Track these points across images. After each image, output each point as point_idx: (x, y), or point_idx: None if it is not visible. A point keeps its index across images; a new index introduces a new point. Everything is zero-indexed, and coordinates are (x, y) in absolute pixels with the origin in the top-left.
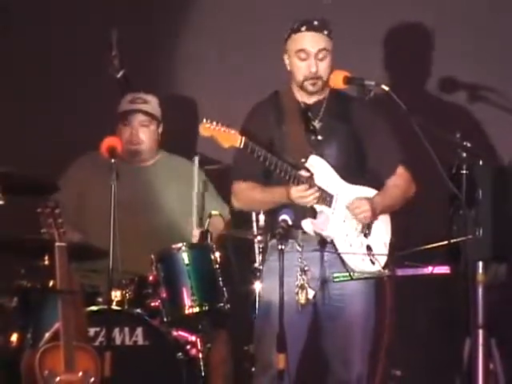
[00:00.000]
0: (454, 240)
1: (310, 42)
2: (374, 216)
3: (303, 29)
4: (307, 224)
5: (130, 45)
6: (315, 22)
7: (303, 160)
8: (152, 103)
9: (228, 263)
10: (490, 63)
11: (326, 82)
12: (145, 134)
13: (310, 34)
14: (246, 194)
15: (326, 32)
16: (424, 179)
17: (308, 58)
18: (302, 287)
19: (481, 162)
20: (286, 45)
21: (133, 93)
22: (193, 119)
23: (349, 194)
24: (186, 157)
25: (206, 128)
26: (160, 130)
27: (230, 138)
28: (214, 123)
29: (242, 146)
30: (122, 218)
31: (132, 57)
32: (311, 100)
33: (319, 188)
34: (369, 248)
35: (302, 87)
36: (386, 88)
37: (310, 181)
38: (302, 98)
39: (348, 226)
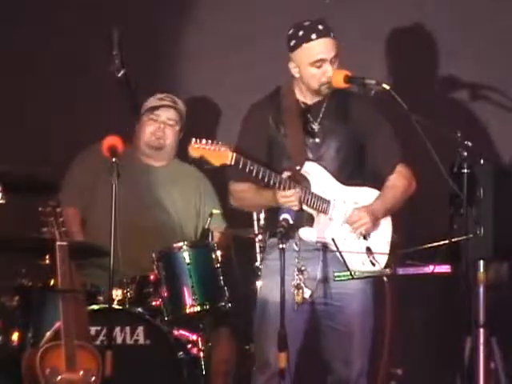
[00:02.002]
0: (455, 239)
1: (324, 49)
2: (376, 223)
3: (313, 36)
4: (305, 232)
5: (131, 44)
6: (320, 27)
7: (298, 167)
8: (180, 106)
9: (229, 262)
10: (490, 63)
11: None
12: (171, 132)
13: (322, 40)
14: (241, 195)
15: (332, 34)
16: (425, 178)
17: (323, 65)
18: (298, 287)
19: (482, 161)
20: (293, 54)
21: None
22: (194, 118)
23: (346, 198)
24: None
25: (195, 148)
26: (181, 136)
27: (221, 156)
28: (203, 142)
29: (233, 163)
30: (125, 215)
31: (133, 56)
32: (312, 100)
33: (315, 195)
34: (368, 250)
35: (317, 92)
36: (387, 87)
37: (296, 185)
38: (303, 98)
39: (346, 230)
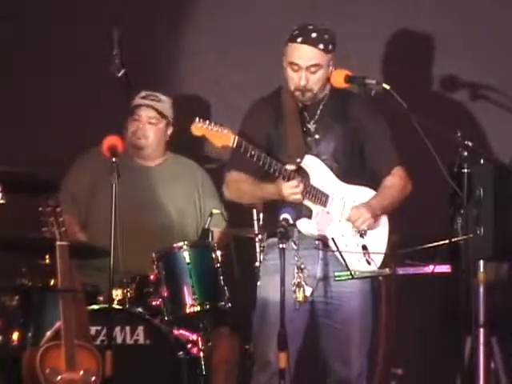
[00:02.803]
0: (455, 239)
1: (302, 56)
2: (375, 220)
3: (299, 40)
4: (302, 224)
5: (131, 44)
6: (313, 34)
7: (298, 160)
8: (164, 102)
9: (229, 262)
10: (490, 63)
11: (317, 92)
12: (151, 130)
13: (304, 47)
14: (237, 185)
15: (321, 46)
16: (425, 178)
17: (299, 70)
18: (298, 285)
19: (482, 161)
20: (285, 48)
21: (148, 91)
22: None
23: (345, 194)
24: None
25: (198, 127)
26: (169, 131)
27: (223, 138)
28: (207, 122)
29: (234, 146)
30: (125, 216)
31: (133, 56)
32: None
33: (314, 188)
34: (364, 248)
35: (293, 95)
36: (387, 86)
37: (297, 176)
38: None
39: (343, 226)
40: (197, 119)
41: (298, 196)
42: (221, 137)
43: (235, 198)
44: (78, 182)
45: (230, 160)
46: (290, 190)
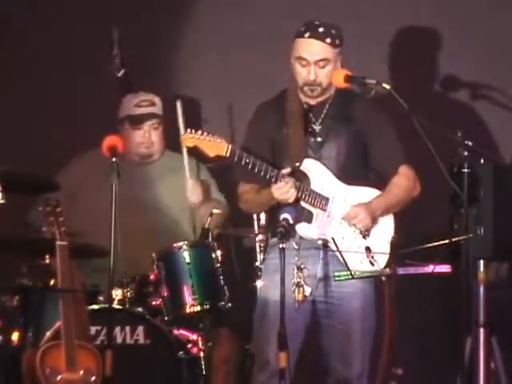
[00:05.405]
0: (456, 239)
1: (310, 50)
2: (374, 220)
3: (306, 35)
4: (301, 228)
5: (131, 44)
6: (320, 29)
7: (297, 164)
8: (157, 104)
9: (229, 262)
10: (490, 63)
11: (326, 87)
12: (156, 136)
13: (312, 41)
14: (244, 197)
15: (328, 40)
16: (425, 178)
17: (308, 65)
18: (298, 285)
19: (482, 161)
20: (292, 45)
21: (134, 93)
22: (194, 119)
23: (346, 196)
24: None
25: (190, 138)
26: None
27: (216, 147)
28: (199, 133)
29: (228, 155)
30: (123, 216)
31: (133, 56)
32: (314, 101)
33: (314, 191)
34: (368, 249)
35: (302, 90)
36: (388, 86)
37: (289, 177)
38: (306, 98)
39: (345, 229)
40: (188, 130)
41: (288, 196)
42: (214, 146)
43: (247, 209)
44: (67, 189)
45: (236, 170)
46: (277, 191)
